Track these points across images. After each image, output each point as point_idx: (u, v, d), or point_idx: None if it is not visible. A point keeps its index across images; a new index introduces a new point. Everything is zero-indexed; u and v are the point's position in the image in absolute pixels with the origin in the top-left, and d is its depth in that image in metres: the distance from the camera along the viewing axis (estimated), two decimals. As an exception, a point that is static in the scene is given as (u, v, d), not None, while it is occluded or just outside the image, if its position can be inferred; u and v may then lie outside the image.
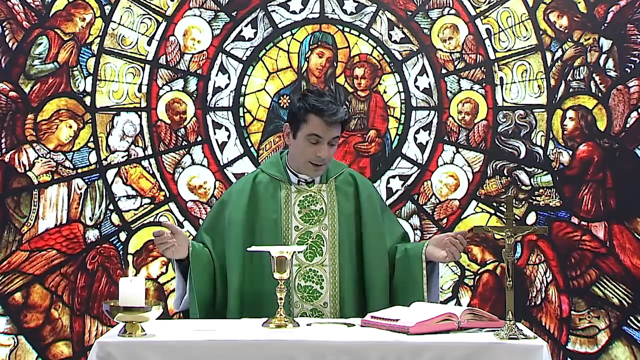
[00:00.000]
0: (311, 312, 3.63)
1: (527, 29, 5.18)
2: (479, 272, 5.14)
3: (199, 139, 5.18)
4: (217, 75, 5.19)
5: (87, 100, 5.15)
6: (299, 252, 3.63)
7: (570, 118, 5.16)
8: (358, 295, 3.68)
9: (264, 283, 3.53)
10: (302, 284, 3.64)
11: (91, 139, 5.15)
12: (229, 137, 5.19)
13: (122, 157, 5.15)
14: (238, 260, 3.64)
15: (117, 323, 3.15)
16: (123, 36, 5.18)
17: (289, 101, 5.15)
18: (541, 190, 5.14)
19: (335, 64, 5.20)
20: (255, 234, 3.68)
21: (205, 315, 3.63)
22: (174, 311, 5.05)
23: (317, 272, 3.66)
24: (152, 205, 5.15)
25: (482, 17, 5.19)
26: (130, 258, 5.13)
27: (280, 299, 3.24)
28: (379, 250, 3.72)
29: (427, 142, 5.18)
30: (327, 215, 3.71)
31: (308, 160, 3.66)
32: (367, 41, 5.19)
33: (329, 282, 3.65)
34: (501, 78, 5.17)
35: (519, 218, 5.10)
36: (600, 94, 5.15)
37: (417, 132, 5.19)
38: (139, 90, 5.17)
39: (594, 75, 5.15)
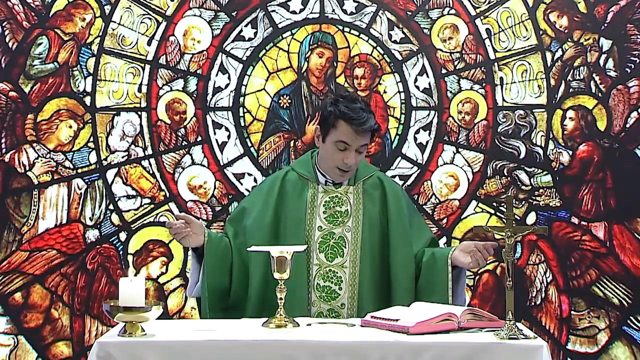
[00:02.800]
0: (328, 312, 3.64)
1: (527, 29, 5.18)
2: (479, 272, 5.14)
3: (199, 139, 5.18)
4: (217, 75, 5.19)
5: (87, 100, 5.15)
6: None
7: (570, 118, 5.16)
8: (377, 298, 3.67)
9: (289, 285, 3.51)
10: (321, 284, 3.66)
11: (91, 139, 5.15)
12: (229, 137, 5.19)
13: (122, 157, 5.15)
14: (260, 259, 3.63)
15: (117, 323, 3.15)
16: (123, 36, 5.18)
17: (289, 102, 5.16)
18: (541, 190, 5.14)
19: (335, 64, 5.19)
20: (279, 231, 3.70)
21: (218, 305, 3.64)
22: (174, 311, 5.08)
23: (337, 273, 3.67)
24: (152, 205, 5.15)
25: (482, 17, 5.19)
26: (130, 258, 5.13)
27: (281, 299, 3.24)
28: (405, 256, 3.71)
29: (427, 142, 5.18)
30: (352, 218, 3.72)
31: (335, 165, 3.67)
32: (367, 41, 5.19)
33: (348, 283, 3.66)
34: (501, 78, 5.17)
35: (519, 218, 5.10)
36: (600, 94, 5.15)
37: (417, 132, 5.19)
38: (139, 90, 5.17)
39: (594, 75, 5.15)
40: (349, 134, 3.61)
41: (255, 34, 5.20)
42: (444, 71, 5.18)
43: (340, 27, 5.20)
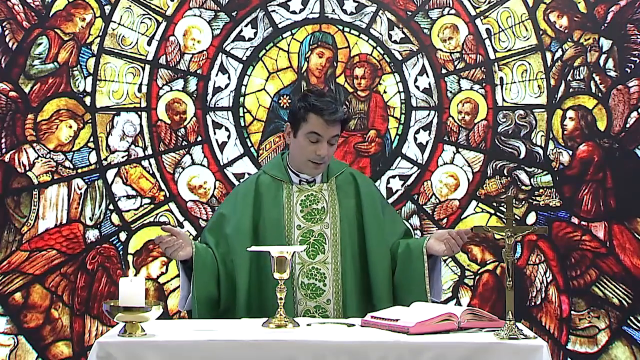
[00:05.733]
0: (315, 309, 3.66)
1: (527, 29, 5.18)
2: (479, 272, 5.15)
3: (199, 139, 5.18)
4: (217, 75, 5.19)
5: (87, 100, 5.15)
6: (300, 251, 3.65)
7: (570, 118, 5.16)
8: (361, 292, 3.72)
9: (271, 285, 3.52)
10: (305, 282, 3.68)
11: (91, 139, 5.15)
12: (229, 137, 5.19)
13: (122, 157, 5.15)
14: (245, 264, 3.66)
15: (117, 323, 3.15)
16: (123, 36, 5.18)
17: (289, 101, 5.16)
18: (541, 190, 5.14)
19: (335, 64, 5.19)
20: (259, 235, 3.71)
21: (208, 315, 3.65)
22: (174, 311, 5.08)
23: (320, 269, 3.69)
24: (152, 205, 5.15)
25: (482, 17, 5.19)
26: (130, 258, 5.13)
27: (280, 299, 3.25)
28: (380, 248, 3.75)
29: (427, 142, 5.18)
30: (329, 214, 3.74)
31: (308, 158, 3.70)
32: (367, 41, 5.19)
33: (332, 279, 3.69)
34: (501, 78, 5.17)
35: (519, 218, 5.10)
36: (600, 94, 5.15)
37: (417, 132, 5.19)
38: (139, 90, 5.17)
39: (594, 75, 5.15)
40: (319, 125, 3.65)
41: (255, 34, 5.20)
42: (444, 71, 5.18)
43: (340, 27, 5.20)
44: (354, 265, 3.72)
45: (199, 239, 3.92)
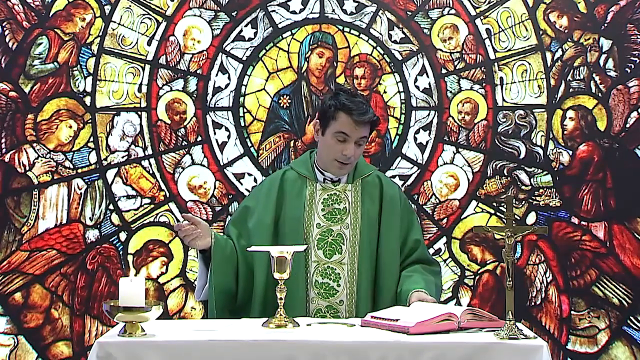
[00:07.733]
0: (327, 308, 3.64)
1: (527, 29, 5.18)
2: (479, 272, 5.15)
3: (199, 139, 5.18)
4: (217, 75, 5.19)
5: (87, 100, 5.15)
6: (318, 250, 3.66)
7: (570, 118, 5.16)
8: (374, 295, 3.69)
9: (288, 283, 3.51)
10: (319, 281, 3.66)
11: (91, 139, 5.15)
12: (229, 137, 5.19)
13: (122, 157, 5.15)
14: (264, 260, 3.63)
15: (117, 323, 3.15)
16: (123, 36, 5.18)
17: (289, 102, 5.16)
18: (541, 190, 5.15)
19: (335, 64, 5.20)
20: (279, 231, 3.71)
21: (225, 308, 3.64)
22: (174, 311, 5.08)
23: (335, 269, 3.67)
24: (152, 205, 5.15)
25: (482, 17, 5.19)
26: (130, 258, 5.13)
27: (280, 299, 3.24)
28: (392, 255, 3.72)
29: (427, 142, 5.18)
30: (350, 215, 3.72)
31: (334, 157, 3.68)
32: (367, 41, 5.19)
33: (347, 280, 3.67)
34: (501, 78, 5.17)
35: (519, 218, 5.10)
36: (600, 94, 5.15)
37: (417, 132, 5.19)
38: (139, 90, 5.17)
39: (594, 75, 5.15)
40: (348, 124, 3.63)
41: (255, 34, 5.20)
42: (444, 71, 5.18)
43: (340, 27, 5.20)
44: (370, 269, 3.70)
45: (223, 230, 3.91)
